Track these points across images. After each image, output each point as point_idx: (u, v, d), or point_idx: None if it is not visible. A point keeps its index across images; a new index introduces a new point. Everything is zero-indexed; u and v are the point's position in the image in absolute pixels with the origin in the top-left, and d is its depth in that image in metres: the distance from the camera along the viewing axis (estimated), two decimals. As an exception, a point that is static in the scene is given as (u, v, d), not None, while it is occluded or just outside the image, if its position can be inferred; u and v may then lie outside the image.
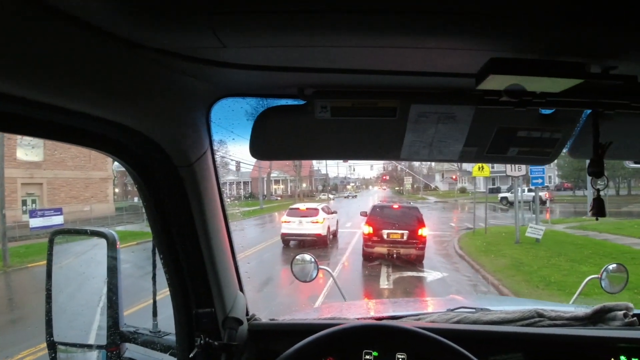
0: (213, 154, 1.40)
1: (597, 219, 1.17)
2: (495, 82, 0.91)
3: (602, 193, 1.13)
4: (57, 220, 15.53)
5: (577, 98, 1.06)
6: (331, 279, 2.96)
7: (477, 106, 1.17)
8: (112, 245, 1.70)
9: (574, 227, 18.16)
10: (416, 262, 12.43)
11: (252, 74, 1.12)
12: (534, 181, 15.96)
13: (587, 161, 1.19)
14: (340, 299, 2.79)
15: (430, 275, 11.04)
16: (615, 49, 0.89)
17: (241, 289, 1.67)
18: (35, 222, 15.28)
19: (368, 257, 12.91)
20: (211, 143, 1.37)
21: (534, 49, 0.87)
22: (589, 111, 1.21)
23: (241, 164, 39.70)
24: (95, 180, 22.29)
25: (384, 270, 11.57)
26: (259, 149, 1.35)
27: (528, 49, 0.87)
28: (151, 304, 1.83)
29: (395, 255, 12.54)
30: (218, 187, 1.46)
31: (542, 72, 0.88)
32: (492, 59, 0.86)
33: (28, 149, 17.82)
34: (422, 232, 12.83)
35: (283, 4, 0.76)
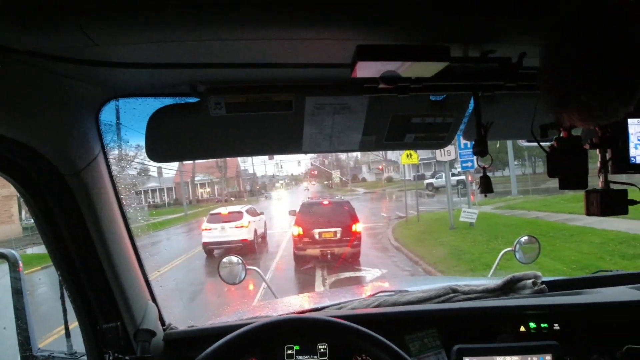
0: (107, 159, 1.33)
1: (485, 196, 1.24)
2: (365, 70, 0.93)
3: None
4: (-61, 245, 13.92)
5: (458, 82, 1.12)
6: (263, 281, 2.96)
7: (365, 95, 1.19)
8: (14, 266, 1.59)
9: (501, 208, 18.23)
10: (352, 261, 11.64)
11: (139, 72, 1.09)
12: (464, 165, 15.31)
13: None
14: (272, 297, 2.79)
15: (369, 273, 10.49)
16: (484, 33, 0.95)
17: (153, 299, 1.61)
18: None
19: (300, 261, 11.93)
20: (103, 147, 1.30)
21: (400, 35, 0.89)
22: None
23: (163, 170, 37.95)
24: (-3, 199, 19.85)
25: (318, 273, 10.86)
26: (155, 151, 1.31)
27: (395, 36, 0.90)
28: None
29: (329, 255, 11.75)
30: (115, 193, 1.39)
31: (410, 57, 0.89)
32: (358, 47, 0.87)
33: None
34: (356, 227, 12.08)
35: None
